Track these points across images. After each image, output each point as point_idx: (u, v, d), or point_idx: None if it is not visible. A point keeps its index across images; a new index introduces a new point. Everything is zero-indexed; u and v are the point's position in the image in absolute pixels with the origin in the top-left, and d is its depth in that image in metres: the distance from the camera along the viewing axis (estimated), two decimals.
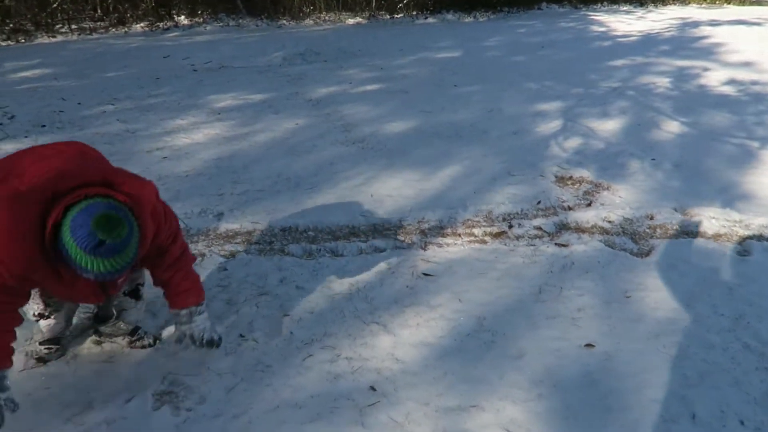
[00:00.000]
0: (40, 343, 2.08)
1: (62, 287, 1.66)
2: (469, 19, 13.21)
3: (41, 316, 2.00)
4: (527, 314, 2.45)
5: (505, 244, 3.02)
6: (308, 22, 12.30)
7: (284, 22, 12.10)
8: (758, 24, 12.29)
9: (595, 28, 11.72)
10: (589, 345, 2.26)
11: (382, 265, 2.80)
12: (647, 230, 3.20)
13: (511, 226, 3.20)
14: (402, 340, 2.28)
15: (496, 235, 3.12)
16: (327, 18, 12.65)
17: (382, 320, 2.40)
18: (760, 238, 3.09)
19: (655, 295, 2.59)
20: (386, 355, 2.20)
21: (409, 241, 3.04)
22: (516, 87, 6.49)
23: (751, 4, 17.81)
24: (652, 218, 3.33)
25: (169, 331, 2.29)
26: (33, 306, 1.96)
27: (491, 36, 10.53)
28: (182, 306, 1.98)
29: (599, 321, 2.41)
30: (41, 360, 2.10)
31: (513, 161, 4.15)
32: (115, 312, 2.24)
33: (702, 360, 2.20)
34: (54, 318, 2.02)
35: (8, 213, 1.44)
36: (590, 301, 2.54)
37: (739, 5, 17.25)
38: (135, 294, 2.23)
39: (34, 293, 1.92)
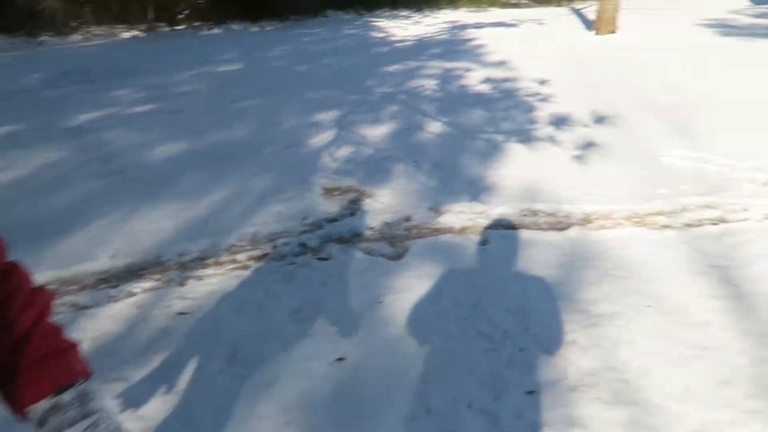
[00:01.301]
0: None
1: None
2: (255, 29, 13.08)
3: None
4: (282, 338, 2.45)
5: (268, 266, 3.01)
6: (76, 37, 11.21)
7: (46, 38, 10.88)
8: (514, 25, 13.89)
9: (376, 34, 12.34)
10: (340, 359, 2.33)
11: (133, 311, 2.61)
12: (404, 232, 3.41)
13: (275, 247, 3.20)
14: (145, 394, 2.13)
15: (260, 258, 3.09)
16: (98, 32, 11.64)
17: (126, 374, 2.23)
18: (497, 226, 3.47)
19: (406, 296, 2.75)
20: (128, 414, 2.04)
21: (166, 279, 2.88)
22: (297, 98, 6.56)
23: (511, 6, 20.16)
24: (408, 220, 3.56)
25: None
26: None
27: (277, 46, 10.54)
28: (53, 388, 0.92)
29: (352, 331, 2.50)
30: None
31: (284, 177, 4.17)
32: None
33: (442, 352, 2.39)
34: None
35: None
36: (346, 313, 2.62)
37: (501, 8, 19.40)
38: None
39: None
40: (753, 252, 3.02)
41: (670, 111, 5.69)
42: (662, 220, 3.46)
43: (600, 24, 10.63)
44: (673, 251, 3.08)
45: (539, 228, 3.46)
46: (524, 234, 3.34)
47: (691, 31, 11.11)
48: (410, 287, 2.83)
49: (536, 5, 19.62)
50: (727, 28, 11.17)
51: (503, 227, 3.45)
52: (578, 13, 15.53)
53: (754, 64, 7.75)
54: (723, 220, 3.41)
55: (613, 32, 10.58)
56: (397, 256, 3.13)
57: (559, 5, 18.83)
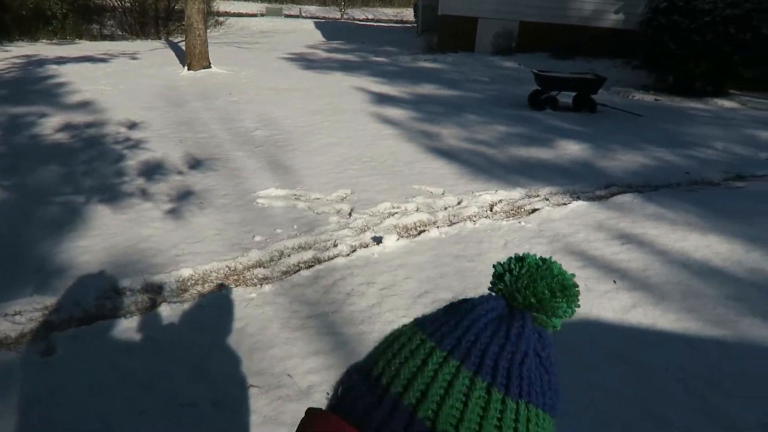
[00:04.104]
0: None
1: None
2: None
3: None
4: None
5: None
6: None
7: None
8: (104, 60, 12.59)
9: None
10: None
11: None
12: None
13: None
14: None
15: None
16: None
17: None
18: (68, 323, 2.75)
19: None
20: None
21: None
22: None
23: (104, 38, 18.50)
24: None
25: None
26: None
27: None
28: None
29: None
30: None
31: None
32: None
33: None
34: None
35: None
36: None
37: (91, 41, 17.57)
38: None
39: None
40: (345, 291, 3.07)
41: (264, 146, 5.77)
42: (261, 272, 3.28)
43: (192, 59, 10.45)
44: (272, 308, 2.90)
45: (127, 312, 2.88)
46: (103, 327, 2.71)
47: (278, 65, 11.93)
48: None
49: (131, 38, 18.51)
50: (307, 62, 12.40)
51: (76, 323, 2.75)
52: (175, 46, 15.19)
53: (331, 96, 8.65)
54: (317, 260, 3.43)
55: (208, 67, 10.54)
56: None
57: (157, 38, 18.19)
